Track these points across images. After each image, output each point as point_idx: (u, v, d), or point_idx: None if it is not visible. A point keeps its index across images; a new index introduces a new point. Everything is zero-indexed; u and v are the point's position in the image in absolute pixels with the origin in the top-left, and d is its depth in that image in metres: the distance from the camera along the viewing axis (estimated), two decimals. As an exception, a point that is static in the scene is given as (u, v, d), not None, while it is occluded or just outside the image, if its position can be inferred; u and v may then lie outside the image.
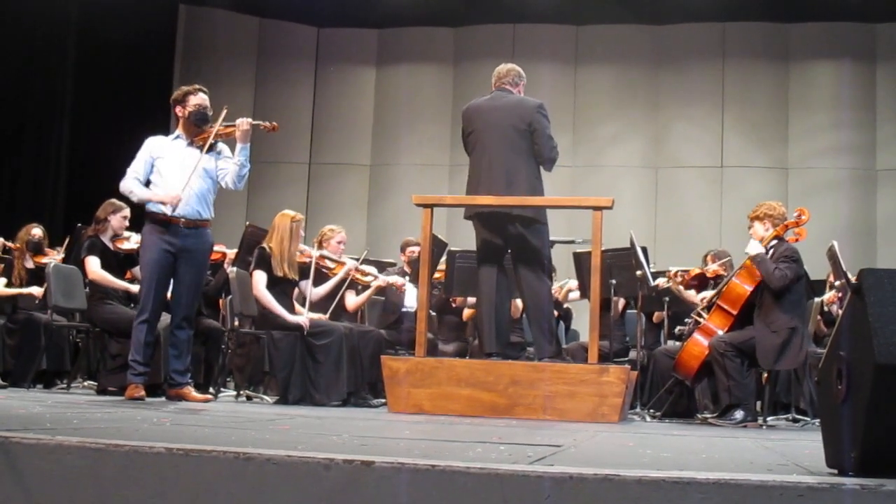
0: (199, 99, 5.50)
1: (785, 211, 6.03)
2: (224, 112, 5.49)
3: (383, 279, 6.92)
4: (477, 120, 5.70)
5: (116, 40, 10.38)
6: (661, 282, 6.60)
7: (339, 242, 6.91)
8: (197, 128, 5.49)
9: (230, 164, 5.51)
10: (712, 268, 6.73)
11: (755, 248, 5.78)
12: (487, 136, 5.60)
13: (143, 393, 5.27)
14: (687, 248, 7.44)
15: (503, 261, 5.67)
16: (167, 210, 5.31)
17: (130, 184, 5.38)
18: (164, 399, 5.44)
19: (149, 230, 5.40)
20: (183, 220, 5.35)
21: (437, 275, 7.06)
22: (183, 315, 5.42)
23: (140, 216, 5.84)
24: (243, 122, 5.45)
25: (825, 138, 10.85)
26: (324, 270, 6.63)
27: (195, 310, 5.63)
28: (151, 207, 5.41)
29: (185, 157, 5.42)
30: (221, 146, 5.58)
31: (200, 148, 5.45)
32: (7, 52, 10.03)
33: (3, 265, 7.45)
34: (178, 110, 5.51)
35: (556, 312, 7.41)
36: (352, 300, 7.10)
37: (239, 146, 5.48)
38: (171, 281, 5.46)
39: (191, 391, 5.41)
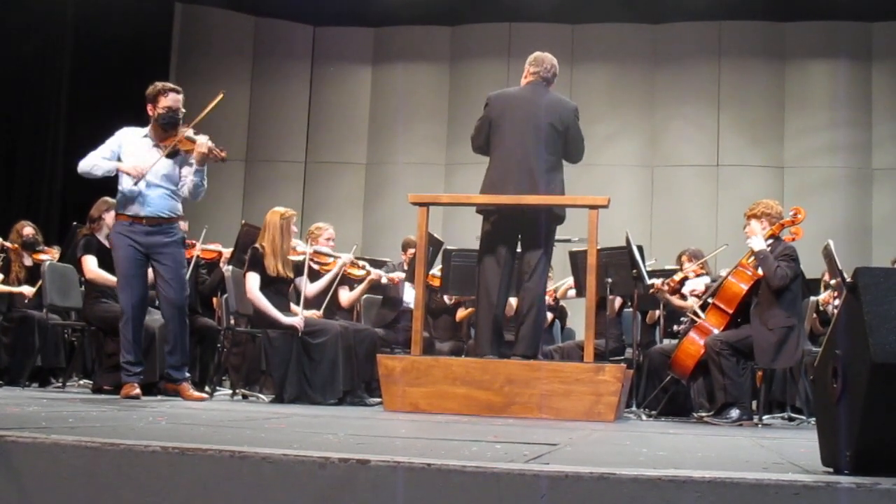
0: (170, 101, 5.37)
1: (782, 210, 6.03)
2: (220, 97, 5.43)
3: (376, 273, 6.92)
4: (509, 111, 5.51)
5: (113, 39, 10.37)
6: (655, 284, 6.60)
7: (328, 239, 6.91)
8: (164, 131, 5.39)
9: (189, 176, 5.44)
10: (691, 268, 6.75)
11: (759, 243, 5.77)
12: (523, 129, 5.45)
13: (138, 391, 5.26)
14: (683, 247, 7.43)
15: (513, 254, 5.56)
16: (133, 187, 5.27)
17: (90, 159, 5.30)
18: (159, 398, 5.43)
19: (115, 230, 5.42)
20: (145, 219, 5.33)
21: (434, 271, 7.05)
22: (171, 309, 5.37)
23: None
24: (203, 145, 5.31)
25: (821, 137, 10.86)
26: (317, 266, 6.61)
27: (185, 300, 5.51)
28: (118, 209, 5.41)
29: (149, 159, 5.33)
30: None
31: (166, 152, 5.35)
32: (3, 50, 10.01)
33: (0, 263, 7.45)
34: (149, 108, 5.40)
35: (551, 313, 7.43)
36: (345, 296, 7.09)
37: (195, 167, 5.38)
38: (150, 278, 5.45)
39: (187, 388, 5.39)
